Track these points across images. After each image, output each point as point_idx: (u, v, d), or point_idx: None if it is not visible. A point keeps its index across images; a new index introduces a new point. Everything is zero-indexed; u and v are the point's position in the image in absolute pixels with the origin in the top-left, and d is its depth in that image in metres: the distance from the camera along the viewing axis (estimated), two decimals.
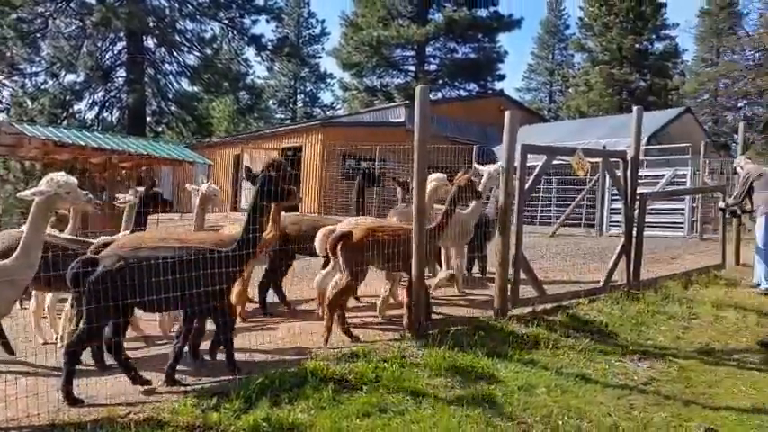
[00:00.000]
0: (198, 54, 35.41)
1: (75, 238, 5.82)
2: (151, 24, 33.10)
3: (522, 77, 57.89)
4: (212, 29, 36.08)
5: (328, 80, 53.04)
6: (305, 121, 37.05)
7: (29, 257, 3.92)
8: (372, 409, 4.00)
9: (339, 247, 5.30)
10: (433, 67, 41.22)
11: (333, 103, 53.89)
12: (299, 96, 55.14)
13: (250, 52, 38.91)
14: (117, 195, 6.71)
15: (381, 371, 4.51)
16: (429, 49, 40.65)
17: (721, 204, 9.21)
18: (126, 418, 3.80)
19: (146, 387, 4.25)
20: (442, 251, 7.40)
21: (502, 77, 43.68)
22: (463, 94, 40.39)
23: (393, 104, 27.44)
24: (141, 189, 6.12)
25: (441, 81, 41.42)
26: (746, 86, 24.08)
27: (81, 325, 4.12)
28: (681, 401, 4.59)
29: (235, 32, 36.39)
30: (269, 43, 36.54)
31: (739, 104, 32.94)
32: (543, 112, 49.03)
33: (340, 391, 4.21)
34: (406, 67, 41.68)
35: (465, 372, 4.69)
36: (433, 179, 6.16)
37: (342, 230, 5.48)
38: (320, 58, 52.93)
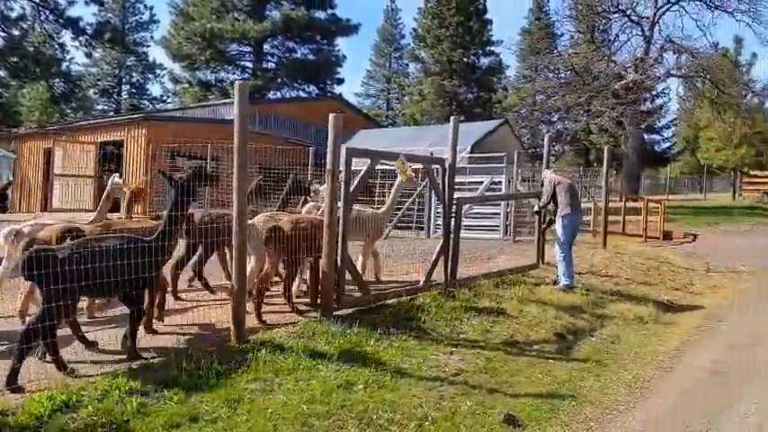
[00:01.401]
0: (3, 34, 31.72)
1: None
2: None
3: (362, 83, 59.27)
4: (22, 7, 32.43)
5: (158, 71, 50.35)
6: (129, 114, 34.74)
7: None
8: (182, 419, 3.86)
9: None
10: (271, 66, 40.58)
11: (162, 96, 51.25)
12: (124, 87, 51.69)
13: (67, 36, 35.54)
14: None
15: (196, 378, 4.37)
16: (267, 47, 39.96)
17: (535, 208, 10.09)
18: None
19: None
20: None
21: (341, 81, 44.25)
22: (303, 95, 40.31)
23: (227, 101, 26.60)
24: None
25: (280, 80, 40.92)
26: (557, 102, 26.56)
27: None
28: (486, 390, 4.95)
29: (48, 13, 33.06)
30: (88, 27, 33.64)
31: (552, 119, 36.19)
32: (382, 118, 50.51)
33: (146, 403, 4.01)
34: (243, 63, 40.58)
35: (286, 374, 4.70)
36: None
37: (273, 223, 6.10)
38: (149, 46, 50.23)
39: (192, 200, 5.23)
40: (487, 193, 13.26)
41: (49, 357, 4.40)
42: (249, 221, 5.76)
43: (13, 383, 4.10)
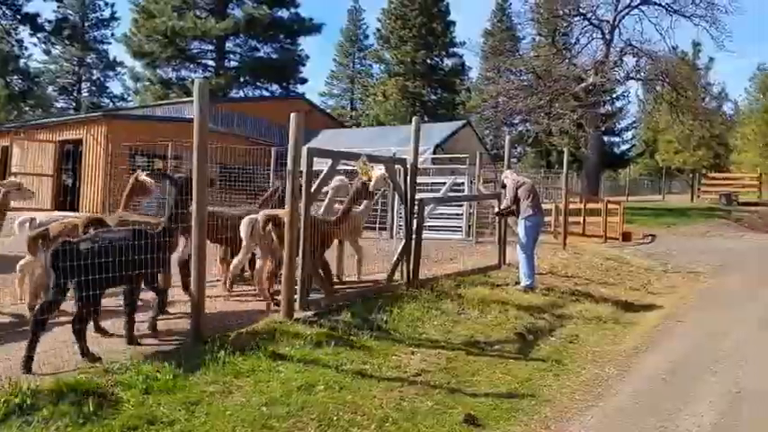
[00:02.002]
0: None
1: None
2: None
3: (325, 83, 58.90)
4: None
5: (119, 69, 49.33)
6: (89, 112, 33.98)
7: None
8: (139, 421, 3.78)
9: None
10: (234, 64, 40.08)
11: (123, 94, 50.23)
12: (84, 84, 50.48)
13: (25, 33, 34.59)
14: None
15: (153, 380, 4.28)
16: (229, 45, 39.41)
17: (496, 210, 10.15)
18: None
19: None
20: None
21: (304, 81, 43.93)
22: (266, 94, 39.95)
23: (189, 99, 26.15)
24: None
25: (243, 79, 40.46)
26: (519, 104, 26.85)
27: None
28: (447, 390, 4.97)
29: (5, 9, 32.20)
30: (46, 23, 32.85)
31: (514, 121, 36.57)
32: (346, 118, 50.37)
33: (103, 405, 3.91)
34: (205, 61, 39.95)
35: (245, 376, 4.63)
36: (338, 179, 7.39)
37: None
38: (109, 44, 49.15)
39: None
40: (450, 194, 13.32)
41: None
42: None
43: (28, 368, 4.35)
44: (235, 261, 6.98)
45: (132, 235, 4.98)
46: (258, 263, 6.84)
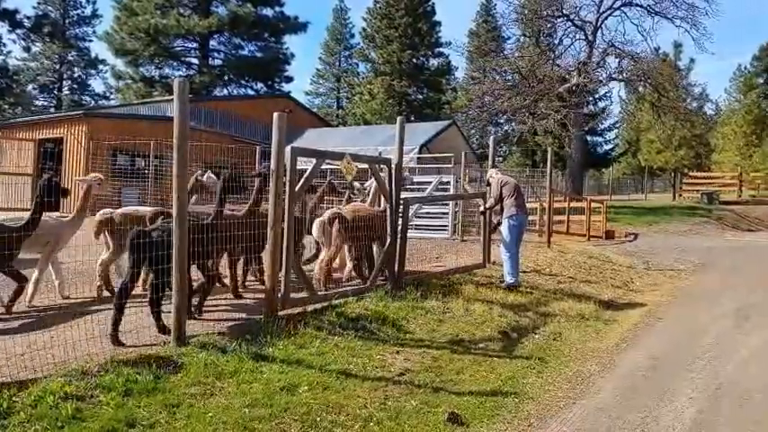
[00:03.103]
0: None
1: None
2: None
3: (311, 82, 58.79)
4: None
5: (101, 67, 48.82)
6: (70, 111, 33.58)
7: None
8: (119, 424, 3.73)
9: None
10: (218, 62, 39.90)
11: (105, 93, 49.74)
12: (65, 82, 49.91)
13: (3, 29, 34.12)
14: None
15: (133, 383, 4.23)
16: (213, 43, 39.26)
17: (481, 209, 10.17)
18: None
19: None
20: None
21: (290, 79, 43.85)
22: (250, 92, 39.79)
23: (171, 97, 25.88)
24: None
25: (227, 77, 40.30)
26: (504, 104, 26.94)
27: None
28: (431, 389, 4.96)
29: None
30: (25, 20, 32.43)
31: (500, 120, 36.69)
32: (332, 117, 50.31)
33: (82, 408, 3.86)
34: (188, 59, 39.73)
35: (227, 377, 4.59)
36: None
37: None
38: (91, 41, 48.66)
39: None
40: (435, 194, 13.33)
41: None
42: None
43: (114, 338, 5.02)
44: (325, 258, 7.56)
45: (193, 227, 5.52)
46: (322, 254, 7.68)
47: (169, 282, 5.20)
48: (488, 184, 9.74)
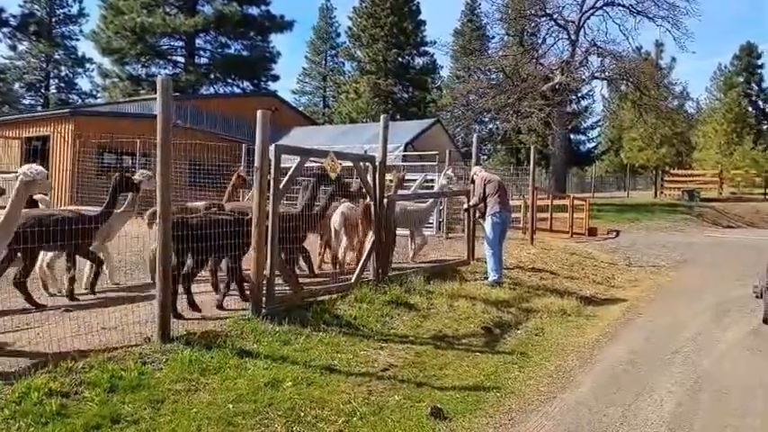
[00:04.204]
0: None
1: None
2: None
3: (297, 80, 58.66)
4: None
5: (87, 65, 48.46)
6: (55, 109, 33.34)
7: None
8: (103, 420, 3.75)
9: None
10: (204, 61, 39.81)
11: (92, 91, 49.34)
12: (52, 81, 49.57)
13: None
14: None
15: (118, 379, 4.25)
16: (199, 42, 39.16)
17: (465, 206, 10.24)
18: None
19: None
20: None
21: (276, 78, 43.78)
22: (237, 91, 39.68)
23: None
24: None
25: (213, 76, 40.21)
26: (488, 103, 27.10)
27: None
28: (414, 384, 5.02)
29: None
30: (11, 19, 32.13)
31: (484, 119, 36.85)
32: (318, 115, 50.25)
33: (67, 404, 3.88)
34: (174, 57, 39.63)
35: (212, 373, 4.63)
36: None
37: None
38: (78, 40, 48.35)
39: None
40: (420, 191, 13.36)
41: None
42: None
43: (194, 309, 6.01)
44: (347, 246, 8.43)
45: (230, 221, 6.18)
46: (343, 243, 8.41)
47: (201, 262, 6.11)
48: (473, 182, 9.81)
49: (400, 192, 10.01)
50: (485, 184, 9.28)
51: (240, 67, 39.76)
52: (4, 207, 4.90)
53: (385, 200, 7.91)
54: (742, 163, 32.47)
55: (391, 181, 9.79)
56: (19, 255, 5.95)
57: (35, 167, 5.05)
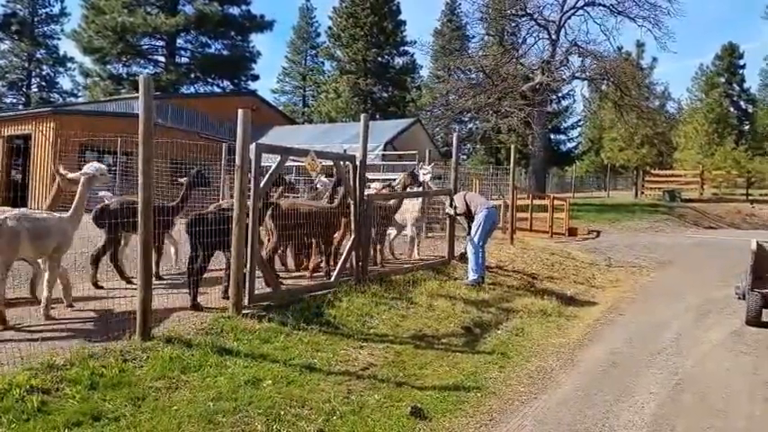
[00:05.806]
0: None
1: None
2: None
3: (277, 80, 58.38)
4: None
5: (69, 64, 47.95)
6: (37, 107, 32.97)
7: None
8: (84, 417, 3.74)
9: None
10: (184, 60, 39.63)
11: (73, 90, 48.88)
12: (34, 80, 49.08)
13: None
14: None
15: (98, 376, 4.22)
16: (180, 41, 38.99)
17: (449, 210, 10.12)
18: None
19: None
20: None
21: (256, 77, 43.61)
22: (217, 90, 39.54)
23: (138, 95, 25.67)
24: None
25: (194, 75, 40.05)
26: (468, 102, 27.20)
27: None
28: (394, 383, 5.04)
29: None
30: None
31: (464, 118, 36.94)
32: (298, 115, 50.10)
33: (48, 401, 3.85)
34: (155, 57, 39.42)
35: (192, 371, 4.61)
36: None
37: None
38: (59, 39, 47.81)
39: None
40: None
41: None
42: None
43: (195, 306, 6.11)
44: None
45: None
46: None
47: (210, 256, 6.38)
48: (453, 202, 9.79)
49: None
50: (467, 202, 9.29)
51: (220, 66, 39.71)
52: None
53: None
54: (723, 163, 32.76)
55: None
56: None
57: (95, 165, 6.17)
